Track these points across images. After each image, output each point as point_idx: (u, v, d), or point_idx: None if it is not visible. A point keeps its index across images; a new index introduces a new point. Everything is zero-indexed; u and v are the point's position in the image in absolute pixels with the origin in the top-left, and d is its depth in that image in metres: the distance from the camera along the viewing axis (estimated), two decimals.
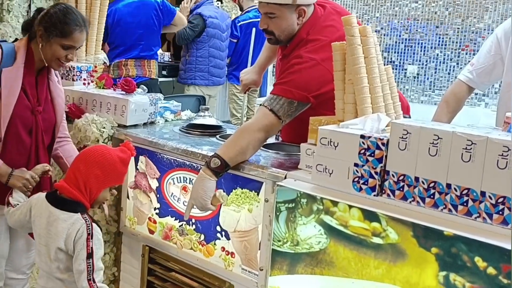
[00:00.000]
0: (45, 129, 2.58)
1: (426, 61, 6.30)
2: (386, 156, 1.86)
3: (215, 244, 2.52)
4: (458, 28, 6.06)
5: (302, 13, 2.48)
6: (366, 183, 1.91)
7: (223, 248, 2.49)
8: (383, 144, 1.86)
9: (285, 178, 2.20)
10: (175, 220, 2.67)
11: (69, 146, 2.73)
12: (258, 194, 2.34)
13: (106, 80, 3.15)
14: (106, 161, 2.28)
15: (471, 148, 1.68)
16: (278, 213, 2.13)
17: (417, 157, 1.79)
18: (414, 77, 6.41)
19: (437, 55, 6.22)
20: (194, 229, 2.59)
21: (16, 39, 2.66)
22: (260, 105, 2.44)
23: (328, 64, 2.25)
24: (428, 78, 6.31)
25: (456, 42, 6.09)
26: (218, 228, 2.49)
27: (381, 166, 1.87)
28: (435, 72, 6.26)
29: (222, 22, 5.73)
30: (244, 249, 2.42)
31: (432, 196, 1.77)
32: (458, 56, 6.09)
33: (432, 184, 1.77)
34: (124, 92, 3.01)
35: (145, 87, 3.23)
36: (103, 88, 3.14)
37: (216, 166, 2.30)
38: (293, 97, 2.35)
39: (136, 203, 2.86)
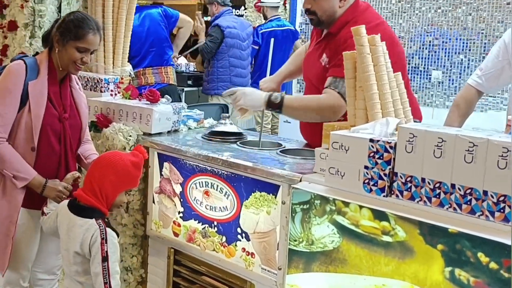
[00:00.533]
0: (73, 135, 2.75)
1: (451, 66, 6.34)
2: (394, 159, 1.96)
3: (236, 245, 2.63)
4: (482, 33, 6.09)
5: None
6: (376, 184, 2.01)
7: (243, 249, 2.60)
8: (391, 147, 1.96)
9: (300, 181, 2.31)
10: (198, 223, 2.80)
11: (87, 145, 2.90)
12: (275, 197, 2.45)
13: (132, 91, 3.30)
14: (119, 166, 2.43)
15: (473, 150, 1.76)
16: (293, 214, 2.24)
17: (423, 159, 1.89)
18: (439, 83, 6.45)
19: (461, 60, 6.25)
20: (216, 231, 2.71)
21: (37, 53, 2.83)
22: (326, 87, 2.64)
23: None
24: (452, 83, 6.35)
25: (481, 47, 6.12)
26: (239, 230, 2.61)
27: (390, 168, 1.97)
28: (460, 77, 6.29)
29: (242, 31, 5.84)
30: (263, 250, 2.53)
31: (438, 196, 1.86)
32: (482, 61, 6.11)
33: (437, 185, 1.86)
34: (149, 102, 3.15)
35: (169, 97, 3.37)
36: (129, 98, 3.29)
37: (274, 102, 2.65)
38: None
39: (161, 207, 2.99)
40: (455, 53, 6.30)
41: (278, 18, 6.46)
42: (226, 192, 2.65)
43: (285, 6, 7.32)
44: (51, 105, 2.67)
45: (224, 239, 2.68)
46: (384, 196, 1.99)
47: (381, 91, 2.21)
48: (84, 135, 2.87)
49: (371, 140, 2.01)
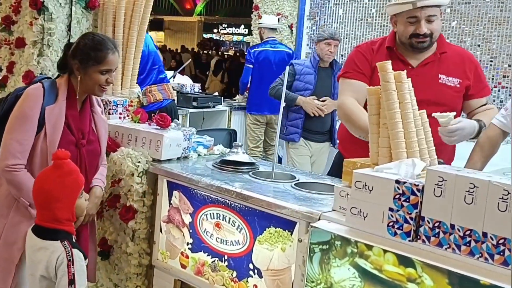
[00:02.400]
0: (90, 161, 2.67)
1: None
2: (421, 202, 1.88)
3: (247, 281, 2.54)
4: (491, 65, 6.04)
5: (441, 15, 2.77)
6: (401, 228, 1.92)
7: (255, 286, 2.51)
8: (418, 190, 1.88)
9: (319, 219, 2.23)
10: (207, 256, 2.70)
11: (99, 169, 2.80)
12: (291, 234, 2.36)
13: (142, 114, 3.23)
14: (53, 186, 2.30)
15: (507, 198, 1.69)
16: (312, 254, 2.15)
17: (452, 204, 1.81)
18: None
19: None
20: (226, 266, 2.62)
21: (58, 75, 2.76)
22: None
23: None
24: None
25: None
26: (251, 266, 2.52)
27: (416, 212, 1.89)
28: None
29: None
30: None
31: (468, 244, 1.78)
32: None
33: (468, 232, 1.78)
34: (159, 127, 3.07)
35: (178, 121, 3.30)
36: (138, 122, 3.21)
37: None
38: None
39: (169, 237, 2.90)
40: None
41: (273, 40, 6.45)
42: (238, 225, 2.56)
43: (292, 30, 7.30)
44: (68, 131, 2.61)
45: (235, 274, 2.59)
46: (409, 240, 1.91)
47: (406, 130, 2.13)
48: (102, 161, 2.80)
49: (397, 182, 1.93)
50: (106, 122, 2.81)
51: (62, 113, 2.58)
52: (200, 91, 6.58)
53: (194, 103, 5.96)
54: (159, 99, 4.89)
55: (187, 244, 2.81)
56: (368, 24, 6.67)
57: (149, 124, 3.17)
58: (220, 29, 28.14)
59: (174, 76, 6.55)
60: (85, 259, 2.35)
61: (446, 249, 1.83)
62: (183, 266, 2.83)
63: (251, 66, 6.31)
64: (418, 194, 1.88)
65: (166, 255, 2.92)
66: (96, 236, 2.97)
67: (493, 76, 5.93)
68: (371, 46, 2.96)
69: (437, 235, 1.85)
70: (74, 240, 2.38)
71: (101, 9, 3.70)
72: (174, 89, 6.26)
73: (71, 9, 3.57)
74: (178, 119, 5.03)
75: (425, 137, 2.22)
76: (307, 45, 7.30)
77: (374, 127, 2.21)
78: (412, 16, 2.75)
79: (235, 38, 27.93)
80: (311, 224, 2.18)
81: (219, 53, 18.46)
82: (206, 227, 2.71)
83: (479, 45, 5.97)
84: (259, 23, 6.68)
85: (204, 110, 6.14)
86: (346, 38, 6.76)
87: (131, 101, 3.46)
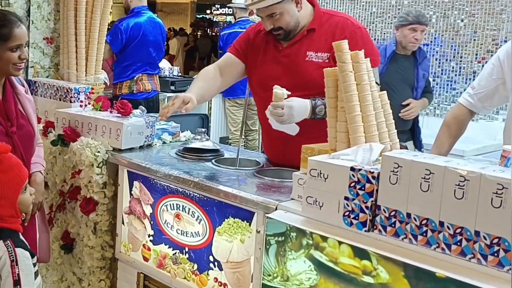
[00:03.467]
0: (25, 147, 2.51)
1: (441, 73, 6.14)
2: (377, 190, 1.77)
3: (208, 274, 2.44)
4: (475, 40, 5.91)
5: (299, 0, 2.58)
6: (357, 217, 1.82)
7: (216, 279, 2.41)
8: (373, 177, 1.77)
9: (276, 209, 2.12)
10: (168, 248, 2.60)
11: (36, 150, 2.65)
12: (250, 225, 2.25)
13: (103, 102, 3.10)
14: None
15: (463, 185, 1.58)
16: (268, 246, 2.04)
17: (408, 192, 1.70)
18: None
19: (453, 67, 6.06)
20: (187, 258, 2.52)
21: None
22: None
23: None
24: (444, 91, 6.14)
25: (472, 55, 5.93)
26: (211, 258, 2.41)
27: (372, 201, 1.78)
28: (450, 85, 6.10)
29: None
30: (236, 281, 2.33)
31: (424, 234, 1.67)
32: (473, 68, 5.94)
33: (424, 221, 1.68)
34: (120, 115, 2.95)
35: (144, 108, 3.17)
36: (100, 110, 3.09)
37: (319, 112, 2.46)
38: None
39: (131, 229, 2.79)
40: (446, 60, 6.11)
41: (245, 20, 6.18)
42: (198, 216, 2.45)
43: None
44: None
45: (195, 266, 2.49)
46: (365, 231, 1.80)
47: (365, 113, 2.02)
48: (37, 141, 2.64)
49: (352, 169, 1.82)
50: (32, 101, 2.63)
51: None
52: (180, 74, 6.44)
53: (172, 87, 5.82)
54: (148, 89, 4.83)
55: (149, 236, 2.70)
56: (350, 1, 6.49)
57: (111, 112, 3.04)
58: (213, 10, 27.83)
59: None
60: (32, 257, 2.23)
61: (402, 239, 1.72)
62: (145, 259, 2.72)
63: (221, 51, 5.92)
64: (374, 181, 1.77)
65: (129, 248, 2.82)
66: (45, 215, 2.80)
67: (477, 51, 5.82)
68: (259, 28, 2.82)
69: (393, 225, 1.75)
70: (21, 238, 2.25)
71: None
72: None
73: None
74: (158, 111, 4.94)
75: (385, 120, 2.10)
76: None
77: (332, 111, 2.09)
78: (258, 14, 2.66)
79: (228, 18, 27.62)
80: (266, 215, 2.08)
81: (213, 34, 18.22)
82: (166, 218, 2.60)
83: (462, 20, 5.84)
84: (232, 2, 6.38)
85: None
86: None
87: (93, 89, 3.32)
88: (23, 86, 2.63)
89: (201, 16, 27.04)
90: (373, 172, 1.77)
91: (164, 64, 6.49)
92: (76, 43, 3.53)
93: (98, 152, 2.84)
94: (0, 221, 2.17)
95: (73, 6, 3.49)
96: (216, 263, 2.39)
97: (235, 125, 6.19)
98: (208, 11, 27.94)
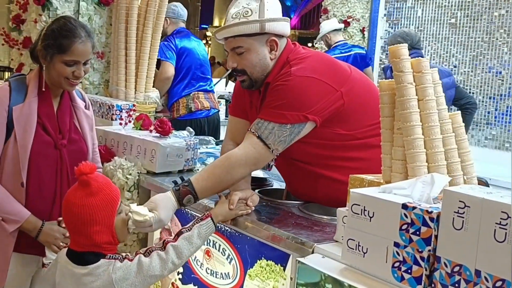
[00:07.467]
0: (73, 163, 2.21)
1: None
2: (436, 236, 1.34)
3: None
4: None
5: (274, 46, 2.12)
6: (409, 271, 1.39)
7: None
8: (431, 219, 1.34)
9: (313, 252, 1.71)
10: None
11: None
12: (284, 269, 1.85)
13: (144, 120, 2.81)
14: (83, 209, 1.82)
15: None
16: None
17: (478, 241, 1.26)
18: None
19: None
20: None
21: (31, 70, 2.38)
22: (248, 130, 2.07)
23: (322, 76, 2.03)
24: None
25: None
26: None
27: (429, 250, 1.35)
28: None
29: None
30: None
31: None
32: None
33: (499, 283, 1.22)
34: (158, 135, 2.64)
35: (192, 130, 2.86)
36: (140, 129, 2.80)
37: (187, 203, 2.00)
38: (287, 121, 2.00)
39: None
40: None
41: (342, 44, 5.82)
42: (229, 254, 2.08)
43: (363, 34, 6.74)
44: (43, 131, 2.21)
45: None
46: None
47: (428, 136, 1.59)
48: (91, 161, 2.34)
49: (405, 206, 1.39)
50: (91, 117, 2.39)
51: (33, 111, 2.19)
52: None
53: None
54: (207, 107, 4.53)
55: (178, 273, 2.35)
56: (451, 26, 5.95)
57: (150, 131, 2.75)
58: (315, 43, 27.71)
59: (226, 85, 6.17)
60: None
61: None
62: None
63: None
64: (432, 225, 1.34)
65: (157, 285, 2.47)
66: None
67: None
68: None
69: (457, 285, 1.30)
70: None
71: (115, 5, 3.35)
72: (223, 98, 5.90)
73: (78, 4, 3.23)
74: (219, 131, 4.64)
75: (457, 147, 1.66)
76: (382, 49, 6.68)
77: (387, 133, 1.68)
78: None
79: None
80: (297, 259, 1.67)
81: None
82: (196, 254, 2.23)
83: None
84: (321, 32, 5.99)
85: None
86: (426, 41, 6.07)
87: (134, 105, 3.04)
88: (84, 101, 2.41)
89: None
90: (431, 212, 1.34)
91: None
92: (126, 58, 3.30)
93: (130, 174, 2.53)
94: (98, 249, 1.86)
95: (124, 19, 3.27)
96: None
97: None
98: (310, 44, 27.85)
